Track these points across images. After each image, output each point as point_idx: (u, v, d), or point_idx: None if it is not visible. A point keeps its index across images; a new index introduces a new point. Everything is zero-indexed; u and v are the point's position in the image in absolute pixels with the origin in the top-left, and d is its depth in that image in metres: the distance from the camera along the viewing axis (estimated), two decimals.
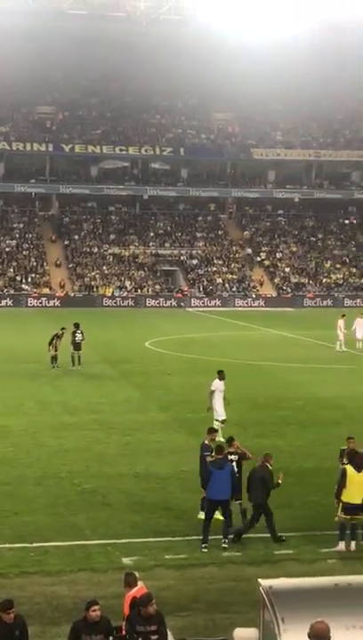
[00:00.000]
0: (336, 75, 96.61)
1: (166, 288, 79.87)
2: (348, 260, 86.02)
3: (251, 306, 76.85)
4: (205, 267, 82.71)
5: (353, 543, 16.80)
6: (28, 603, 14.02)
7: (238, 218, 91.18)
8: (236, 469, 17.67)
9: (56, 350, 38.39)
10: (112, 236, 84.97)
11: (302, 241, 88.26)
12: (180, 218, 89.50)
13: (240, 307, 76.30)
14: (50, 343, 38.40)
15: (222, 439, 19.13)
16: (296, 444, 24.63)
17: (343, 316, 46.04)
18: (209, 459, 18.12)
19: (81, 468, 22.10)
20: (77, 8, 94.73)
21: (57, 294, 75.54)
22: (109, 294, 76.59)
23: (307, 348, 47.42)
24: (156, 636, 10.95)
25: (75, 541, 17.00)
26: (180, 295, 77.67)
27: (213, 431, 19.29)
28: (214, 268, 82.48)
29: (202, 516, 17.43)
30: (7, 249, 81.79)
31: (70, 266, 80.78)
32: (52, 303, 73.84)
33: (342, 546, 16.71)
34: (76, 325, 39.12)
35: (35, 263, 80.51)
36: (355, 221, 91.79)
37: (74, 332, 38.73)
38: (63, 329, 39.17)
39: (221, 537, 16.91)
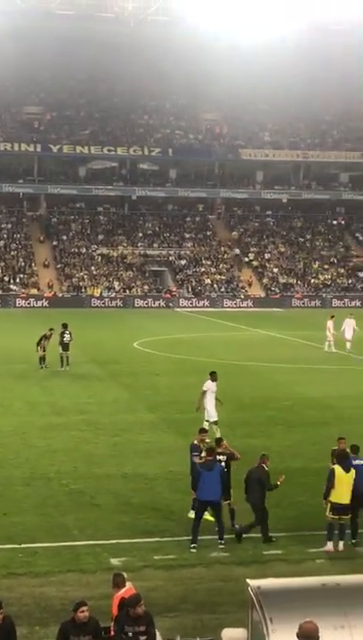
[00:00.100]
0: (324, 75, 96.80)
1: (155, 288, 79.86)
2: (336, 261, 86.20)
3: (239, 306, 76.93)
4: (193, 267, 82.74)
5: (341, 543, 16.83)
6: (17, 604, 13.99)
7: (227, 218, 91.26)
8: (224, 470, 17.67)
9: (44, 351, 38.35)
10: (100, 237, 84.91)
11: (291, 241, 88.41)
12: (168, 218, 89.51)
13: (229, 307, 76.36)
14: (38, 344, 38.35)
15: (208, 440, 19.10)
16: (284, 445, 24.66)
17: (332, 316, 46.10)
18: (197, 460, 18.14)
19: (69, 469, 22.07)
20: (65, 8, 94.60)
21: (45, 295, 75.43)
22: (98, 295, 76.52)
23: (295, 349, 47.48)
24: (144, 637, 10.94)
25: (63, 542, 16.98)
26: (168, 296, 77.67)
27: (203, 431, 19.27)
28: (203, 269, 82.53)
29: (192, 514, 17.44)
30: None
31: (59, 266, 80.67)
32: (40, 304, 73.71)
33: (330, 546, 16.74)
34: (65, 326, 39.07)
35: (23, 263, 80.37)
36: (343, 222, 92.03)
37: (62, 333, 38.68)
38: (51, 329, 39.10)
39: (214, 537, 16.91)
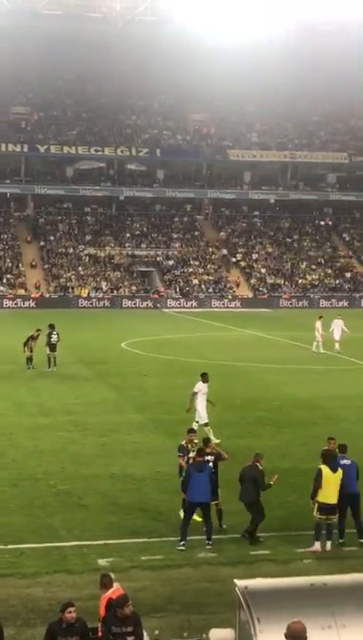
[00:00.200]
0: (312, 76, 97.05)
1: (143, 289, 79.81)
2: (323, 262, 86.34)
3: (227, 307, 76.96)
4: (181, 268, 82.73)
5: (329, 543, 16.84)
6: (3, 605, 13.95)
7: (214, 219, 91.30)
8: (212, 470, 17.67)
9: (31, 351, 38.25)
10: (88, 237, 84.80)
11: (278, 242, 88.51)
12: (156, 219, 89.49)
13: (216, 308, 76.38)
14: (25, 344, 38.25)
15: (197, 440, 19.08)
16: (273, 445, 24.65)
17: (321, 317, 46.13)
18: (181, 461, 18.14)
19: (57, 470, 22.02)
20: (52, 8, 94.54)
21: (32, 295, 75.24)
22: (85, 295, 76.41)
23: (283, 349, 47.53)
24: (132, 637, 10.94)
25: (50, 543, 16.93)
26: (156, 296, 77.63)
27: (191, 432, 19.24)
28: (191, 269, 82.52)
29: (183, 514, 17.45)
30: None
31: (46, 267, 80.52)
32: (27, 304, 73.52)
33: (317, 546, 16.74)
34: (52, 326, 38.97)
35: (10, 264, 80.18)
36: (330, 223, 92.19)
37: (49, 334, 38.60)
38: (38, 330, 39.02)
39: (202, 537, 16.91)
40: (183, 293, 78.77)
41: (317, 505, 16.88)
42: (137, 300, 76.76)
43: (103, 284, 78.38)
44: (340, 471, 16.94)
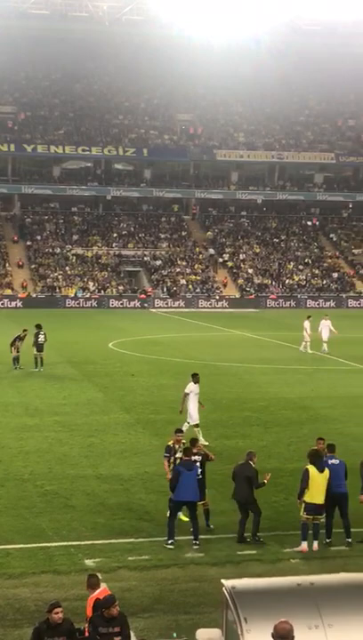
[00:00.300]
0: (299, 76, 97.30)
1: (130, 289, 79.75)
2: (310, 262, 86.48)
3: (214, 307, 77.00)
4: (168, 268, 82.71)
5: (316, 543, 16.87)
6: None
7: (202, 219, 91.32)
8: (199, 470, 17.67)
9: (18, 351, 38.17)
10: (75, 237, 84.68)
11: (265, 242, 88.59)
12: (143, 219, 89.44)
13: (204, 308, 76.42)
14: (12, 344, 38.16)
15: (184, 441, 19.07)
16: (259, 445, 24.64)
17: (309, 317, 46.19)
18: (165, 462, 18.12)
19: (43, 470, 21.97)
20: (39, 8, 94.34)
21: (19, 295, 75.06)
22: (72, 295, 76.28)
23: (270, 349, 47.57)
24: (119, 638, 10.92)
25: (37, 543, 16.89)
26: (143, 296, 77.59)
27: (179, 432, 19.22)
28: (178, 269, 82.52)
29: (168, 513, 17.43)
30: None
31: (33, 266, 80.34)
32: (14, 304, 73.35)
33: (304, 546, 16.77)
34: (39, 326, 38.87)
35: None
36: (317, 223, 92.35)
37: (36, 334, 38.49)
38: (25, 330, 38.93)
39: (189, 537, 16.92)
40: (171, 293, 78.76)
41: (303, 505, 16.91)
42: (124, 300, 76.70)
43: (90, 283, 78.28)
44: (327, 471, 16.97)
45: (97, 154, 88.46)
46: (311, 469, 16.90)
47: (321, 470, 16.90)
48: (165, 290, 79.21)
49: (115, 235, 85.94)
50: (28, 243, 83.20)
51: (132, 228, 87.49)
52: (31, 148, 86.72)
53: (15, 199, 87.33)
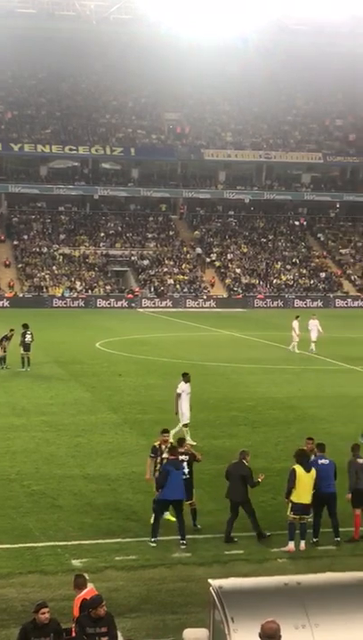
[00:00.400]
0: (286, 76, 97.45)
1: (117, 289, 79.69)
2: (298, 262, 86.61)
3: (202, 307, 77.01)
4: (156, 267, 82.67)
5: (303, 542, 16.89)
6: None
7: (189, 218, 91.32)
8: (187, 470, 17.66)
9: (5, 351, 38.09)
10: (62, 236, 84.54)
11: (253, 242, 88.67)
12: (130, 218, 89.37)
13: (191, 307, 76.42)
14: None
15: (172, 440, 19.06)
16: (247, 445, 24.54)
17: (298, 317, 46.22)
18: (149, 461, 18.11)
19: (30, 470, 21.92)
20: (26, 6, 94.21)
21: (6, 295, 74.90)
22: (59, 295, 76.16)
23: (258, 349, 47.60)
24: (106, 638, 10.90)
25: (24, 544, 16.85)
26: (131, 296, 77.53)
27: (165, 432, 19.18)
28: (165, 269, 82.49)
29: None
30: None
31: (20, 266, 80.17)
32: (0, 304, 73.16)
33: (291, 545, 16.78)
34: (26, 326, 38.79)
35: None
36: (305, 223, 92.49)
37: (23, 334, 38.42)
38: (12, 330, 38.85)
39: (177, 537, 16.92)
40: (158, 293, 78.73)
41: (290, 505, 16.93)
42: (111, 300, 76.63)
43: (77, 283, 78.16)
44: (313, 471, 16.99)
45: (84, 153, 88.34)
46: (298, 469, 16.92)
47: (308, 470, 16.92)
48: (152, 289, 79.19)
49: (102, 234, 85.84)
50: (15, 242, 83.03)
51: (119, 228, 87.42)
52: (18, 148, 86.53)
53: (2, 198, 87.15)
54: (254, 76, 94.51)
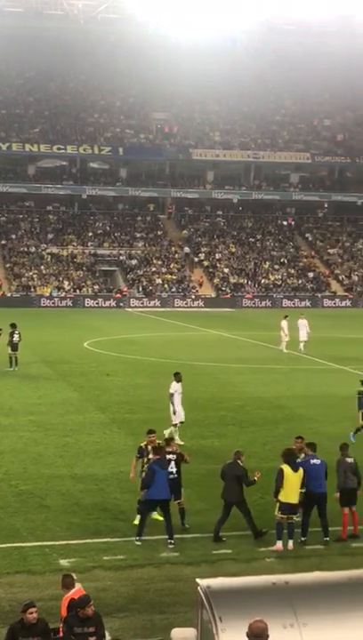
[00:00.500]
0: (275, 76, 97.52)
1: (105, 288, 79.58)
2: (286, 261, 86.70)
3: (190, 306, 77.00)
4: (144, 267, 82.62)
5: (291, 542, 16.90)
6: None
7: (177, 218, 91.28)
8: (174, 469, 17.65)
9: None
10: (50, 236, 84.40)
11: (241, 242, 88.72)
12: (119, 218, 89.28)
13: (180, 307, 76.39)
14: None
15: (159, 441, 19.05)
16: (235, 445, 24.54)
17: (286, 316, 46.22)
18: (134, 461, 18.08)
19: (18, 470, 21.87)
20: (13, 5, 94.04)
21: None
22: (47, 294, 76.02)
23: (246, 349, 47.63)
24: (94, 638, 10.89)
25: (11, 543, 16.82)
26: (119, 295, 77.46)
27: (151, 433, 19.14)
28: (154, 269, 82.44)
29: (137, 521, 17.35)
30: None
31: (7, 265, 79.97)
32: None
33: (279, 545, 16.80)
34: (13, 326, 38.68)
35: None
36: (293, 223, 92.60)
37: (11, 333, 38.32)
38: (0, 329, 38.74)
39: (164, 537, 16.92)
40: (146, 293, 78.69)
41: (278, 504, 16.94)
42: (100, 300, 76.53)
43: (65, 283, 78.05)
44: (301, 471, 17.01)
45: (72, 152, 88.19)
46: (286, 469, 16.93)
47: (295, 470, 16.93)
48: (140, 289, 79.13)
49: (90, 234, 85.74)
50: (3, 242, 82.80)
51: (107, 227, 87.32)
52: (6, 147, 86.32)
53: None
54: (243, 76, 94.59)
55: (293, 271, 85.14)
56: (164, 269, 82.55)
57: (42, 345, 45.63)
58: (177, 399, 25.41)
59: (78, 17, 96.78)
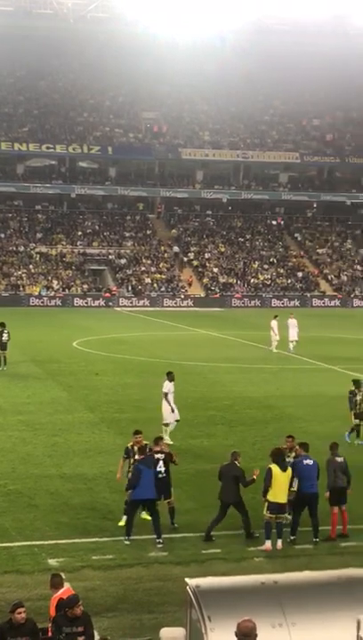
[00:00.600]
0: (264, 75, 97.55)
1: (94, 287, 79.49)
2: (275, 261, 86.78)
3: (179, 306, 76.99)
4: (133, 266, 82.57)
5: (279, 541, 16.91)
6: None
7: (167, 218, 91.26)
8: (163, 469, 17.63)
9: None
10: (39, 235, 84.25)
11: (231, 241, 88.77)
12: (108, 217, 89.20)
13: (169, 307, 76.38)
14: None
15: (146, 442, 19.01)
16: (224, 444, 24.65)
17: (276, 316, 46.24)
18: (121, 462, 18.05)
19: (7, 470, 21.82)
20: (3, 4, 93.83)
21: None
22: (36, 293, 75.89)
23: (235, 348, 47.65)
24: (82, 638, 10.88)
25: (0, 543, 16.76)
26: (108, 295, 77.40)
27: (137, 433, 19.05)
28: (143, 268, 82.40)
29: (123, 522, 17.32)
30: None
31: None
32: None
33: (268, 544, 16.80)
34: (2, 325, 38.60)
35: None
36: (282, 222, 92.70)
37: (0, 332, 38.24)
38: None
39: (153, 536, 16.89)
40: (135, 292, 78.65)
41: (267, 504, 16.94)
42: (89, 299, 76.44)
43: (55, 282, 77.93)
44: (289, 470, 17.02)
45: (61, 152, 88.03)
46: (274, 468, 16.93)
47: (284, 469, 16.94)
48: (129, 288, 79.09)
49: (79, 233, 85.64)
50: None
51: (96, 227, 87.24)
52: None
53: None
54: (232, 76, 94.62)
55: (282, 271, 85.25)
56: (153, 269, 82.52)
57: (31, 344, 45.54)
58: (171, 399, 25.39)
59: (68, 16, 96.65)
